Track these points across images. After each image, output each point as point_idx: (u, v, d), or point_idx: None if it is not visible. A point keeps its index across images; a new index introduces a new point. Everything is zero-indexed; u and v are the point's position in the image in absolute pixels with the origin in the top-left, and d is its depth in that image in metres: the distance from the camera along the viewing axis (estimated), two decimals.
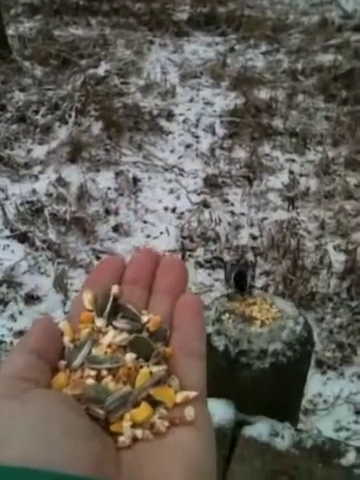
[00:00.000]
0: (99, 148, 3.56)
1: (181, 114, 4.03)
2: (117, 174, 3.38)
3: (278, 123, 3.79)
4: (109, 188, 3.27)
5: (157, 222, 3.06)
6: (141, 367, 0.34)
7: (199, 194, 3.23)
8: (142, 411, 0.32)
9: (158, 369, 0.34)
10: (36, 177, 3.31)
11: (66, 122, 3.75)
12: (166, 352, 0.36)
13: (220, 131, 3.77)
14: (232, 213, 3.03)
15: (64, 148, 3.51)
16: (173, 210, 3.16)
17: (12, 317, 2.42)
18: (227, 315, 0.55)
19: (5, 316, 2.42)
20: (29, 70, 4.23)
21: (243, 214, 3.01)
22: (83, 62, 4.44)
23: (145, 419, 0.32)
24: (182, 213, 3.12)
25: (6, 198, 3.11)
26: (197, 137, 3.78)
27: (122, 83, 4.24)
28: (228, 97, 4.15)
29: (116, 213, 3.10)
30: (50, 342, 0.35)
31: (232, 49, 4.87)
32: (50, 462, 0.27)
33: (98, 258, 2.78)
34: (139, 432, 0.31)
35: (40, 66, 4.31)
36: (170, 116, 4.00)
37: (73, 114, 3.77)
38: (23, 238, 2.82)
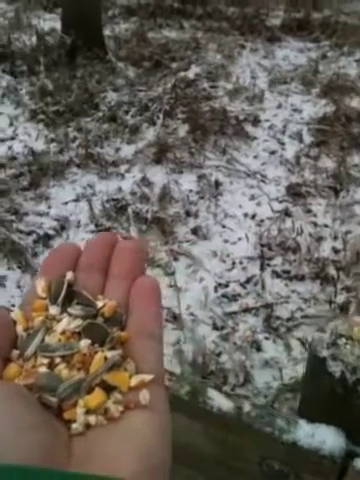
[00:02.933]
0: (184, 150, 3.62)
1: (267, 120, 3.99)
2: (199, 177, 3.41)
3: None
4: (191, 190, 3.31)
5: (236, 227, 3.06)
6: (96, 353, 0.33)
7: (281, 202, 3.18)
8: (95, 397, 0.32)
9: (113, 354, 0.33)
10: (122, 176, 3.42)
11: (154, 123, 3.85)
12: (122, 336, 0.35)
13: (307, 139, 3.70)
14: (314, 224, 2.96)
15: (150, 149, 3.60)
16: (253, 217, 3.13)
17: None
18: (344, 340, 0.54)
19: None
20: (122, 71, 4.38)
21: (326, 226, 2.93)
22: (174, 65, 4.53)
23: (99, 405, 0.31)
24: (262, 220, 3.09)
25: (93, 194, 3.24)
26: (283, 144, 3.73)
27: (211, 87, 4.27)
28: (318, 104, 4.06)
29: (196, 216, 3.13)
30: (2, 332, 0.34)
31: (324, 56, 4.74)
32: None
33: (176, 259, 2.83)
34: (92, 418, 0.31)
35: (133, 67, 4.45)
36: (256, 121, 3.98)
37: (161, 116, 3.85)
38: None
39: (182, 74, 4.38)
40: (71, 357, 0.33)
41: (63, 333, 0.34)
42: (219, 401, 0.53)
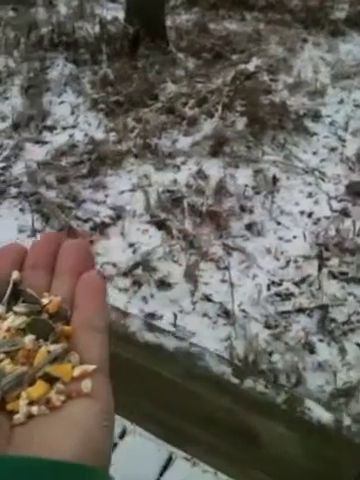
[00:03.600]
0: (241, 144, 3.58)
1: (328, 115, 3.88)
2: (256, 172, 3.37)
3: None
4: (246, 185, 3.27)
5: (292, 225, 3.01)
6: (40, 347, 0.35)
7: (340, 201, 3.10)
8: (38, 388, 0.33)
9: (55, 347, 0.35)
10: (178, 167, 3.42)
11: (212, 116, 3.82)
12: (66, 330, 0.36)
13: None
14: None
15: (207, 141, 3.59)
16: (309, 215, 3.07)
17: (144, 299, 2.55)
18: None
19: (138, 297, 2.56)
20: (182, 62, 4.37)
21: None
22: (235, 57, 4.47)
23: (41, 395, 0.33)
24: (319, 219, 3.02)
25: (149, 185, 3.27)
26: (343, 141, 3.62)
27: (271, 80, 4.20)
28: None
29: (251, 211, 3.10)
30: None
31: None
32: None
33: (229, 254, 2.81)
34: (35, 408, 0.33)
35: (193, 58, 4.42)
36: (317, 117, 3.88)
37: (220, 108, 3.82)
38: (161, 225, 2.94)
39: (242, 66, 4.31)
40: (16, 353, 0.35)
41: (8, 330, 0.36)
42: (318, 413, 0.53)
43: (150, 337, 0.67)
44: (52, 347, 0.35)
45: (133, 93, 3.92)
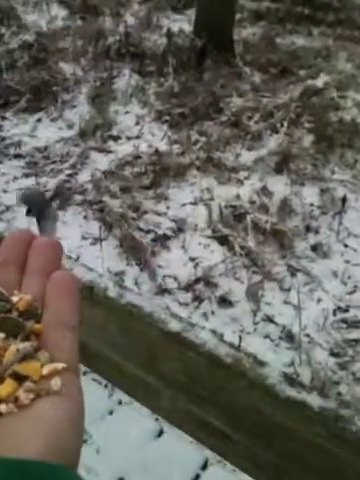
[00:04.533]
0: (307, 161, 3.48)
1: None
2: (323, 191, 3.27)
3: None
4: (312, 204, 3.17)
5: None
6: (10, 345, 0.35)
7: None
8: (6, 386, 0.33)
9: (24, 345, 0.35)
10: (241, 182, 3.36)
11: (277, 131, 3.75)
12: (36, 328, 0.36)
13: None
14: None
15: (272, 157, 3.51)
16: None
17: (205, 315, 2.50)
18: None
19: (198, 313, 2.51)
20: (248, 76, 4.33)
21: None
22: (302, 72, 4.39)
23: (9, 394, 0.33)
24: None
25: (211, 199, 3.22)
26: None
27: (339, 97, 4.09)
28: None
29: (316, 231, 3.00)
30: None
31: None
32: None
33: (293, 275, 2.72)
34: (3, 407, 0.32)
35: (259, 73, 4.38)
36: None
37: (286, 124, 3.75)
38: (223, 241, 2.89)
39: (310, 82, 4.23)
40: None
41: None
42: None
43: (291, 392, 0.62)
44: (21, 345, 0.35)
45: (198, 106, 3.90)
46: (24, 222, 2.68)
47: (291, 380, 0.67)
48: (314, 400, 0.63)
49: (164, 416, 1.14)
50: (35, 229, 2.30)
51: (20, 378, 0.34)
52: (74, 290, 0.39)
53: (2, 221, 2.85)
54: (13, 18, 4.91)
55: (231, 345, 0.76)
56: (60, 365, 0.35)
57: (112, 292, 0.94)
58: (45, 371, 0.34)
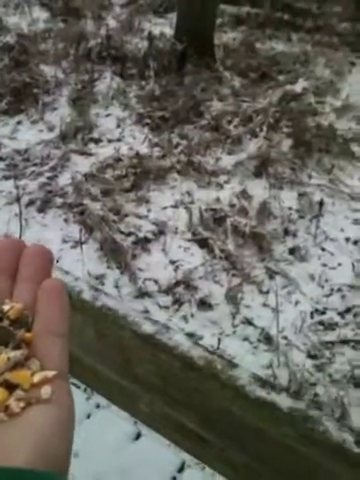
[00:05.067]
0: (286, 166, 3.54)
1: None
2: (300, 195, 3.32)
3: None
4: (291, 208, 3.22)
5: (336, 252, 2.94)
6: (1, 354, 0.35)
7: None
8: None
9: (15, 354, 0.35)
10: (221, 186, 3.40)
11: (256, 136, 3.80)
12: (26, 337, 0.37)
13: None
14: None
15: (251, 161, 3.56)
16: (355, 242, 3.00)
17: (184, 318, 2.52)
18: None
19: (178, 315, 2.53)
20: (228, 80, 4.37)
21: None
22: (281, 77, 4.45)
23: (0, 402, 0.33)
24: None
25: (192, 202, 3.25)
26: None
27: (318, 102, 4.16)
28: None
29: (294, 235, 3.05)
30: None
31: None
32: None
33: (271, 278, 2.76)
34: None
35: (239, 77, 4.42)
36: None
37: (265, 128, 3.80)
38: (203, 244, 2.92)
39: (289, 87, 4.29)
40: None
41: None
42: None
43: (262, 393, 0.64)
44: (12, 354, 0.35)
45: (179, 109, 3.93)
46: (4, 223, 2.67)
47: (262, 381, 0.69)
48: (284, 401, 0.65)
49: (141, 419, 1.16)
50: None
51: (11, 387, 0.34)
52: (63, 298, 0.39)
53: None
54: None
55: (204, 348, 0.78)
56: (51, 373, 0.35)
57: (87, 295, 0.95)
58: (36, 379, 0.35)
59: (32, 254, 0.41)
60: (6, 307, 0.38)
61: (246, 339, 2.44)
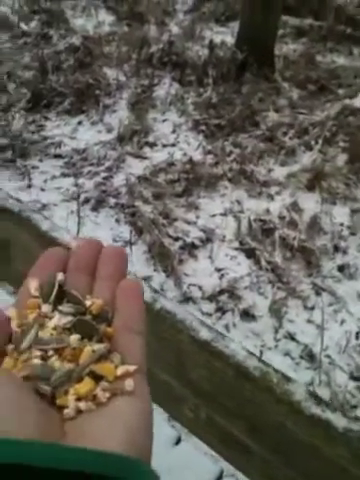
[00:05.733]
0: (340, 181, 3.49)
1: None
2: (353, 211, 3.26)
3: None
4: (342, 224, 3.17)
5: None
6: (85, 346, 0.37)
7: None
8: (85, 385, 0.35)
9: (99, 347, 0.37)
10: (272, 197, 3.39)
11: (311, 148, 3.76)
12: (108, 332, 0.39)
13: None
14: None
15: (305, 174, 3.53)
16: None
17: (226, 327, 2.53)
18: None
19: (220, 324, 2.54)
20: (286, 91, 4.35)
21: None
22: (340, 91, 4.39)
23: (88, 392, 0.35)
24: None
25: (241, 211, 3.25)
26: None
27: None
28: None
29: (344, 252, 3.00)
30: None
31: None
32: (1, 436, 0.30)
33: (318, 294, 2.73)
34: (82, 404, 0.34)
35: (297, 89, 4.39)
36: None
37: (320, 142, 3.75)
38: (250, 254, 2.92)
39: (348, 101, 4.22)
40: (62, 350, 0.37)
41: (55, 328, 0.38)
42: None
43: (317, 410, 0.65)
44: (96, 347, 0.37)
45: (234, 118, 3.94)
46: (62, 220, 2.76)
47: (317, 398, 0.70)
48: (339, 420, 0.65)
49: (184, 423, 1.17)
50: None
51: (96, 378, 0.36)
52: (141, 298, 0.41)
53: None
54: (62, 21, 5.05)
55: (260, 359, 0.79)
56: (132, 367, 0.37)
57: (147, 296, 0.98)
58: (119, 372, 0.36)
59: (110, 254, 0.44)
60: (88, 302, 0.40)
61: (288, 354, 2.42)
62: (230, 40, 4.99)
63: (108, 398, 0.35)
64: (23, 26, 4.95)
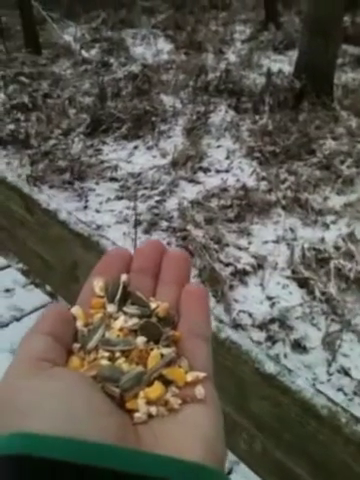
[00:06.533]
0: None
1: None
2: None
3: None
4: None
5: None
6: (151, 349, 0.35)
7: None
8: (155, 389, 0.34)
9: (168, 351, 0.35)
10: (327, 226, 3.30)
11: None
12: (175, 336, 0.37)
13: None
14: None
15: None
16: None
17: (277, 357, 2.45)
18: None
19: (271, 353, 2.46)
20: (344, 120, 4.28)
21: None
22: None
23: (158, 397, 0.33)
24: None
25: (294, 239, 3.19)
26: None
27: None
28: None
29: None
30: (64, 326, 0.36)
31: None
32: (75, 436, 0.28)
33: None
34: (154, 409, 0.33)
35: (356, 118, 4.31)
36: None
37: None
38: (303, 283, 2.84)
39: None
40: (129, 352, 0.35)
41: (121, 330, 0.37)
42: None
43: None
44: (165, 351, 0.36)
45: (290, 145, 3.91)
46: (117, 241, 2.80)
47: None
48: None
49: (238, 455, 1.13)
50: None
51: (166, 382, 0.34)
52: (207, 303, 0.40)
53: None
54: (122, 49, 5.24)
55: (328, 398, 0.75)
56: (202, 374, 0.35)
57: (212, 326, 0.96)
58: (189, 378, 0.35)
59: (175, 257, 0.42)
60: (153, 305, 0.39)
61: (340, 390, 2.31)
62: (288, 68, 5.00)
63: (179, 404, 0.34)
64: (84, 54, 5.17)
